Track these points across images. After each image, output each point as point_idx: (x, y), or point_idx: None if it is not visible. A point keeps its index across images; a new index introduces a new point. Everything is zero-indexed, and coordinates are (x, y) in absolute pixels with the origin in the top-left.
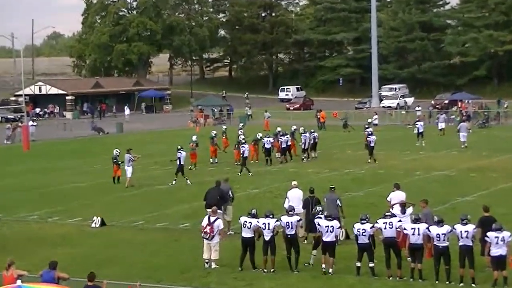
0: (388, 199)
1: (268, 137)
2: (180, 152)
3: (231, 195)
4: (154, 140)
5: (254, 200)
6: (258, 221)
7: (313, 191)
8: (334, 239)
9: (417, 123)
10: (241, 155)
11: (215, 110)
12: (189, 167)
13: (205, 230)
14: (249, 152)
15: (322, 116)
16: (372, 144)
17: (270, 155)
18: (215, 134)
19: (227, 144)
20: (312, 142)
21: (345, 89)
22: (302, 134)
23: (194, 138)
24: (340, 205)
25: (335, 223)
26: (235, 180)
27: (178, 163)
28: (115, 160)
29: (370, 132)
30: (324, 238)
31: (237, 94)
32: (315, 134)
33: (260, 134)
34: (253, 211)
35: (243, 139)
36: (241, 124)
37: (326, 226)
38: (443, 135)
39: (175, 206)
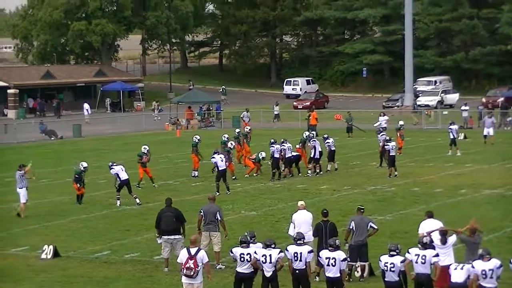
0: (421, 230)
1: (274, 143)
2: (112, 168)
3: (219, 218)
4: (121, 147)
5: (251, 225)
6: (256, 252)
7: (327, 214)
8: (339, 275)
9: (450, 126)
10: (215, 167)
11: (203, 108)
12: (153, 185)
13: (186, 265)
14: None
15: (314, 117)
16: (392, 153)
17: (278, 167)
18: (198, 139)
19: (243, 152)
20: (328, 150)
21: (370, 83)
22: (311, 140)
23: (145, 149)
24: (376, 227)
25: (339, 254)
26: (226, 200)
27: (118, 179)
28: (77, 176)
29: (387, 138)
30: (327, 274)
31: (229, 88)
32: (330, 140)
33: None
34: (246, 238)
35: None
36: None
37: (327, 258)
38: (492, 144)
39: (148, 233)
